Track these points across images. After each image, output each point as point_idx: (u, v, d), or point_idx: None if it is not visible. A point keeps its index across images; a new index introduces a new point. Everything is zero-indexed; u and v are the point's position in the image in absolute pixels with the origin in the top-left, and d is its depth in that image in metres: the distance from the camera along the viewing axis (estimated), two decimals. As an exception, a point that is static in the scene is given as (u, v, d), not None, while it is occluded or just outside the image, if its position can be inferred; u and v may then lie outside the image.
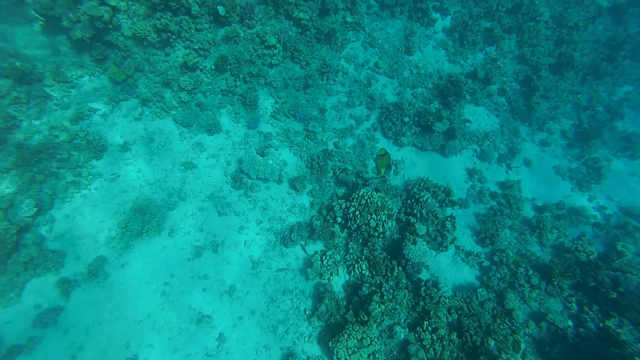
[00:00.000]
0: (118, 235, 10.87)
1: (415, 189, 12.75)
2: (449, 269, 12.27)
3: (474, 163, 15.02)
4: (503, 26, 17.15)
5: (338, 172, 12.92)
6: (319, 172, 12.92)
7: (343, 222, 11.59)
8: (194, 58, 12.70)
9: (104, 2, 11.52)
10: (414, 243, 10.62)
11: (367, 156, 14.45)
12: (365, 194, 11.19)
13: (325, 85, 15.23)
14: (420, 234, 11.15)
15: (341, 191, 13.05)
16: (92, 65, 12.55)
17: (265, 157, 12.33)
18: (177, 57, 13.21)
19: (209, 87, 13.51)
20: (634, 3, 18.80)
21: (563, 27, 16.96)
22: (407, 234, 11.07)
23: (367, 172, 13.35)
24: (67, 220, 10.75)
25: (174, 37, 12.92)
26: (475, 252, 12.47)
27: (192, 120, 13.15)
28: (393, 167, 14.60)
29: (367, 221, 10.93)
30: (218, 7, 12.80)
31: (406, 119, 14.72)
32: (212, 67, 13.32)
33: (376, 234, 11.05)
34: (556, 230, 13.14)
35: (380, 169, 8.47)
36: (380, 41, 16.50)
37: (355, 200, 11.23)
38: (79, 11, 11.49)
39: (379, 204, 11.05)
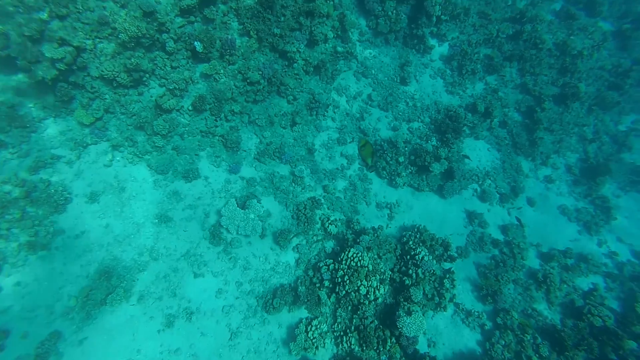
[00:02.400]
0: (79, 305, 9.73)
1: (410, 242, 11.68)
2: (448, 331, 11.20)
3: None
4: (504, 54, 16.15)
5: (327, 224, 11.83)
6: (306, 224, 11.83)
7: (331, 285, 10.50)
8: (169, 100, 11.58)
9: (65, 42, 10.38)
10: (409, 314, 9.55)
11: (359, 200, 13.38)
12: (355, 255, 10.11)
13: (315, 120, 14.14)
14: (416, 300, 10.08)
15: (330, 245, 11.97)
16: (57, 107, 11.40)
17: (247, 210, 11.23)
18: (151, 96, 12.09)
19: (187, 128, 12.40)
20: (639, 27, 17.84)
21: (567, 55, 15.97)
22: (402, 300, 9.99)
23: (359, 223, 12.26)
24: (17, 289, 9.58)
25: (147, 75, 11.80)
26: (477, 312, 11.41)
27: (168, 166, 12.04)
28: (387, 211, 13.55)
29: (356, 287, 9.85)
30: (195, 43, 11.71)
31: (401, 159, 13.66)
32: (190, 108, 12.21)
33: (367, 302, 9.96)
34: (565, 285, 12.09)
35: (367, 160, 7.94)
36: (373, 71, 15.44)
37: (344, 262, 10.15)
38: (38, 52, 10.35)
39: (370, 267, 9.97)
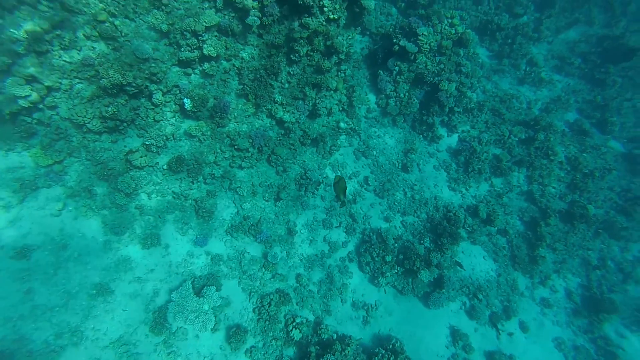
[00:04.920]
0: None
1: (382, 368, 9.98)
2: None
3: None
4: (513, 157, 15.30)
5: (291, 327, 10.17)
6: (268, 323, 10.16)
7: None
8: (141, 157, 10.31)
9: (35, 79, 9.24)
10: None
11: (334, 296, 11.81)
12: (313, 386, 8.38)
13: (302, 197, 12.87)
14: None
15: (290, 353, 10.24)
16: (13, 139, 10.06)
17: (202, 298, 9.60)
18: (125, 146, 10.85)
19: (158, 187, 11.05)
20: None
21: (577, 172, 15.16)
22: None
23: (327, 329, 10.62)
24: None
25: (125, 124, 10.63)
26: None
27: (127, 225, 10.55)
28: (363, 313, 11.95)
29: None
30: (184, 99, 10.66)
31: (388, 258, 12.26)
32: (165, 167, 10.94)
33: None
34: None
35: (340, 196, 8.22)
36: (375, 152, 14.46)
37: (299, 392, 8.39)
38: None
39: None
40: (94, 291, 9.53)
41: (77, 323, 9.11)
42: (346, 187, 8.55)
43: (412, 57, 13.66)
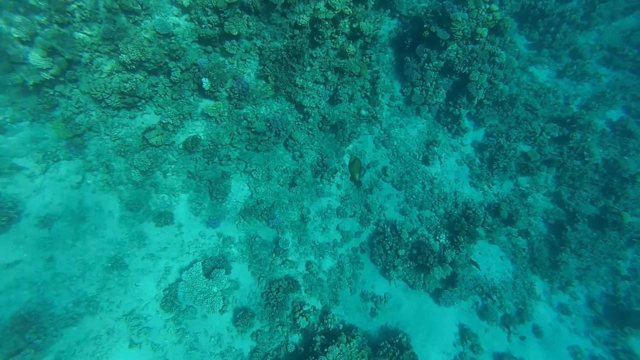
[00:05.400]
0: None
1: (387, 363, 9.90)
2: None
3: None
4: (543, 156, 14.39)
5: (297, 314, 10.19)
6: (275, 308, 10.21)
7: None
8: (157, 135, 10.27)
9: (56, 51, 9.22)
10: None
11: (343, 286, 11.73)
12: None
13: (317, 183, 12.64)
14: None
15: (295, 339, 10.31)
16: (37, 111, 10.20)
17: (211, 279, 9.70)
18: (142, 123, 10.84)
19: (173, 166, 11.06)
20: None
21: (615, 176, 14.13)
22: None
23: (334, 319, 10.59)
24: None
25: (143, 100, 10.57)
26: None
27: (142, 202, 10.68)
28: (372, 305, 11.85)
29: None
30: (202, 79, 10.44)
31: (401, 252, 11.99)
32: (181, 147, 10.89)
33: None
34: None
35: (355, 175, 7.83)
36: (396, 142, 13.93)
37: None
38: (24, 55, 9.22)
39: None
40: (109, 264, 9.78)
41: (93, 294, 9.42)
42: (362, 167, 8.58)
43: (443, 44, 12.81)
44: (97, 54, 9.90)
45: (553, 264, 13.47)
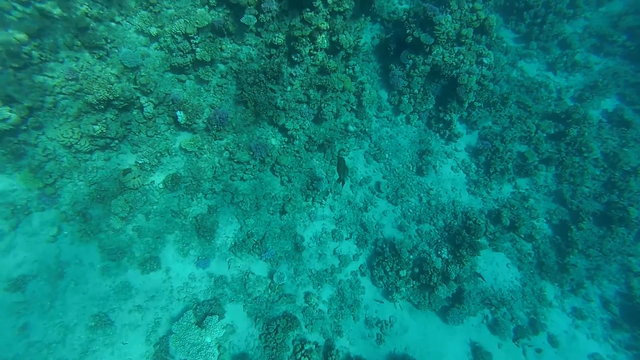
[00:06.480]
0: None
1: (398, 399, 9.33)
2: None
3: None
4: (540, 155, 13.88)
5: (299, 355, 9.58)
6: (275, 351, 9.60)
7: None
8: (134, 178, 9.61)
9: (13, 99, 8.52)
10: None
11: (345, 315, 11.15)
12: None
13: (309, 207, 12.03)
14: None
15: (299, 381, 9.68)
16: (2, 162, 9.50)
17: (204, 329, 9.06)
18: (118, 164, 10.17)
19: (155, 207, 10.40)
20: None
21: (617, 169, 13.64)
22: None
23: (338, 354, 10.01)
24: None
25: (116, 141, 9.90)
26: None
27: (125, 249, 10.03)
28: (377, 331, 11.28)
29: None
30: (177, 112, 9.79)
31: (403, 273, 11.41)
32: (161, 186, 10.24)
33: None
34: None
35: (340, 174, 8.36)
36: (387, 155, 13.34)
37: None
38: (-20, 108, 8.53)
39: None
40: (93, 323, 9.12)
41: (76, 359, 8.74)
42: (347, 168, 8.35)
43: (428, 49, 12.23)
44: (62, 96, 9.21)
45: (562, 267, 12.97)
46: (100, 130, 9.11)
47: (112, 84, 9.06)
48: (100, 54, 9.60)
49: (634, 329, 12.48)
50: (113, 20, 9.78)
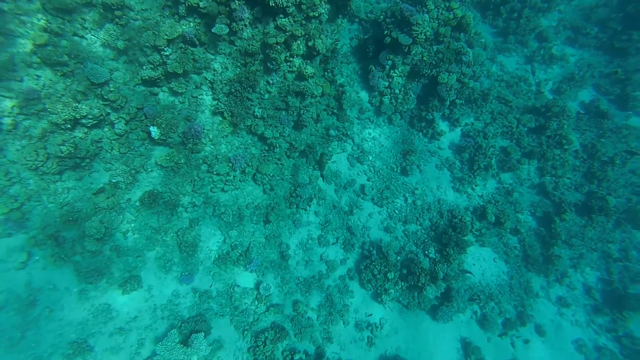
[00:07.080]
0: None
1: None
2: None
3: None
4: (522, 149, 13.98)
5: (290, 366, 9.46)
6: (264, 364, 9.45)
7: None
8: (108, 199, 9.24)
9: (-28, 125, 8.06)
10: None
11: (335, 320, 11.07)
12: None
13: (294, 214, 11.85)
14: None
15: (291, 394, 9.58)
16: (-33, 189, 9.01)
17: (190, 347, 8.85)
18: (92, 183, 9.77)
19: (133, 225, 10.06)
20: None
21: (595, 160, 13.85)
22: None
23: (330, 363, 9.93)
24: None
25: (87, 160, 9.50)
26: None
27: (103, 270, 9.67)
28: (368, 334, 11.25)
29: None
30: (150, 127, 9.43)
31: (391, 275, 11.38)
32: (138, 204, 9.90)
33: None
34: None
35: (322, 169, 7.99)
36: (371, 157, 13.23)
37: None
38: None
39: None
40: (71, 351, 8.79)
41: (56, 388, 8.43)
42: (325, 163, 8.38)
43: (407, 49, 12.09)
44: (22, 117, 8.75)
45: (547, 258, 13.15)
46: (68, 151, 8.69)
47: (78, 102, 8.63)
48: (64, 70, 9.13)
49: (613, 312, 12.82)
50: (76, 35, 9.31)
